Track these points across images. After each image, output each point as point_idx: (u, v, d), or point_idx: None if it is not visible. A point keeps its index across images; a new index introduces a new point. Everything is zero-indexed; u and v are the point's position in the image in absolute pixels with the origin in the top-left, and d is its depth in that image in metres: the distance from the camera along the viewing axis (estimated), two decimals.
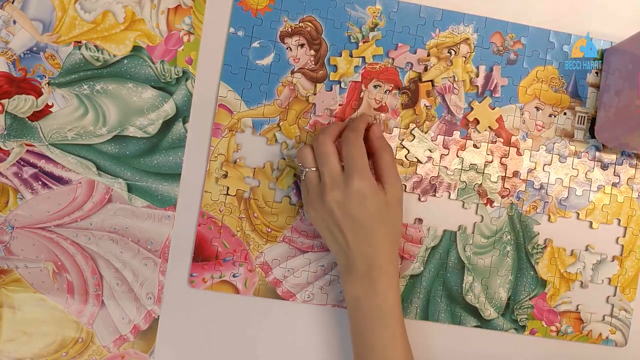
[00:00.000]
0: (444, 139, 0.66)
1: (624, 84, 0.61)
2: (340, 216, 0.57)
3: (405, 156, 0.65)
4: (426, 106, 0.66)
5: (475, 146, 0.66)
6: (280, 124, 0.65)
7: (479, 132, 0.66)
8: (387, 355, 0.57)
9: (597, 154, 0.67)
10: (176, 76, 0.64)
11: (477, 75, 0.66)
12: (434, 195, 0.66)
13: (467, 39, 0.66)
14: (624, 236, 0.67)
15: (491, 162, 0.66)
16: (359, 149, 0.59)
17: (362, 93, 0.65)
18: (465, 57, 0.66)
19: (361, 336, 0.58)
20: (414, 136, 0.65)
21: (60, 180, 0.63)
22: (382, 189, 0.58)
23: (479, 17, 0.66)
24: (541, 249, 0.66)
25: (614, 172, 0.67)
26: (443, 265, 0.66)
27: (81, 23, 0.63)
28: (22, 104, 0.63)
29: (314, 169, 0.59)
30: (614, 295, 0.67)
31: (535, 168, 0.66)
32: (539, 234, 0.66)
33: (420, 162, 0.66)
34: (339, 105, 0.65)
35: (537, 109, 0.66)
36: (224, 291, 0.64)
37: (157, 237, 0.64)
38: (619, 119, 0.62)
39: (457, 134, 0.66)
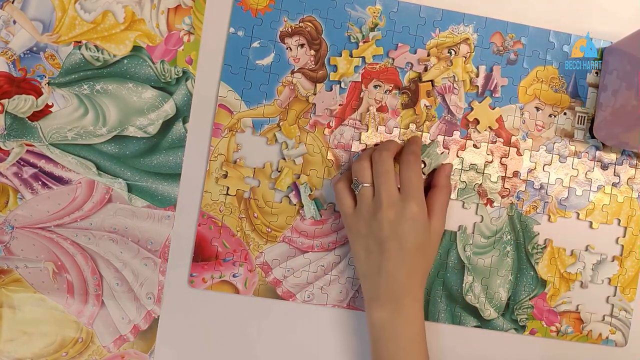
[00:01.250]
0: (444, 139, 0.66)
1: (621, 84, 0.61)
2: (388, 235, 0.57)
3: None
4: (426, 106, 0.66)
5: (475, 146, 0.66)
6: (280, 124, 0.65)
7: (479, 132, 0.66)
8: None
9: (597, 154, 0.67)
10: (176, 76, 0.64)
11: (477, 75, 0.66)
12: None
13: (467, 39, 0.66)
14: (624, 236, 0.67)
15: (491, 162, 0.66)
16: (419, 174, 0.60)
17: (362, 93, 0.65)
18: (465, 57, 0.66)
19: None
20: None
21: (60, 180, 0.63)
22: (429, 222, 0.59)
23: (479, 17, 0.66)
24: (541, 249, 0.66)
25: (614, 172, 0.67)
26: (443, 265, 0.66)
27: (81, 23, 0.63)
28: (22, 104, 0.63)
29: (369, 184, 0.59)
30: (614, 295, 0.67)
31: (535, 168, 0.66)
32: (539, 234, 0.66)
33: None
34: (339, 105, 0.65)
35: (537, 109, 0.66)
36: (224, 291, 0.64)
37: (157, 237, 0.64)
38: (616, 118, 0.62)
39: (457, 134, 0.66)
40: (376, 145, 0.65)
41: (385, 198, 0.58)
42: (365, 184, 0.59)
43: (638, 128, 0.59)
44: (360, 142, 0.65)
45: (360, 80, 0.65)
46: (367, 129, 0.65)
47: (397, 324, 0.58)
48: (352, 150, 0.65)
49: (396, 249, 0.57)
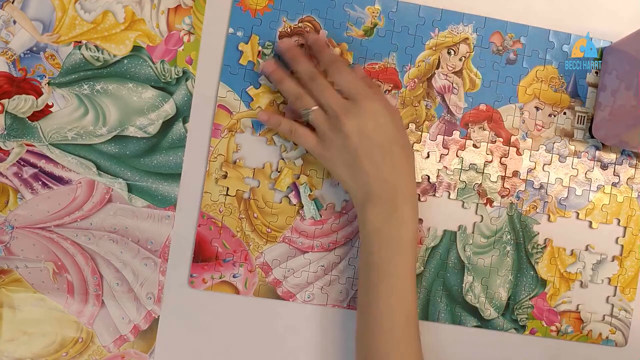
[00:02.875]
0: (443, 138, 0.66)
1: (620, 84, 0.61)
2: (357, 141, 0.57)
3: None
4: (426, 106, 0.66)
5: (475, 146, 0.66)
6: None
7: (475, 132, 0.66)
8: (402, 284, 0.57)
9: (597, 153, 0.67)
10: (176, 76, 0.64)
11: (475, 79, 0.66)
12: (434, 195, 0.66)
13: (467, 38, 0.66)
14: (624, 236, 0.67)
15: (491, 161, 0.66)
16: (355, 72, 0.60)
17: None
18: (465, 57, 0.66)
19: (376, 266, 0.57)
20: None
21: (60, 180, 0.63)
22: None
23: (479, 17, 0.66)
24: (541, 248, 0.66)
25: (614, 171, 0.67)
26: (443, 265, 0.66)
27: (81, 23, 0.63)
28: (22, 104, 0.63)
29: (316, 107, 0.59)
30: (614, 295, 0.66)
31: (535, 168, 0.66)
32: (538, 233, 0.66)
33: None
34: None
35: (537, 108, 0.66)
36: (224, 291, 0.64)
37: (157, 237, 0.64)
38: (615, 118, 0.62)
39: (456, 134, 0.66)
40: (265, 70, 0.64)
41: (338, 109, 0.58)
42: (314, 107, 0.59)
43: (637, 128, 0.59)
44: None
45: None
46: None
47: (392, 226, 0.57)
48: None
49: (370, 150, 0.57)
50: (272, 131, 0.65)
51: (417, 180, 0.65)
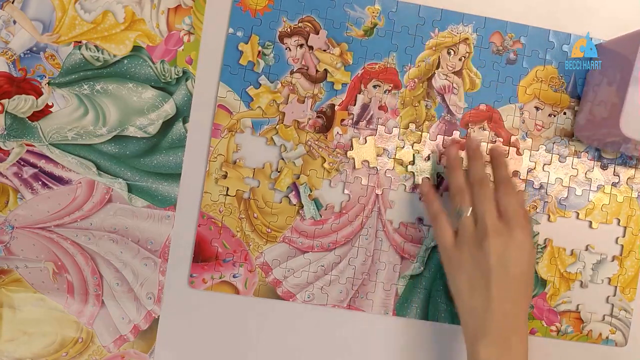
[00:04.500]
0: (443, 138, 0.66)
1: (602, 80, 0.61)
2: (494, 264, 0.56)
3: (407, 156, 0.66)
4: (426, 106, 0.66)
5: None
6: (277, 126, 0.65)
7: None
8: None
9: (597, 153, 0.67)
10: (176, 76, 0.64)
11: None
12: None
13: (467, 38, 0.66)
14: (624, 236, 0.67)
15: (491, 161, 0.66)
16: (519, 199, 0.59)
17: (361, 92, 0.65)
18: (465, 57, 0.66)
19: None
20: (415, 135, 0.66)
21: (60, 180, 0.63)
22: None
23: (478, 17, 0.66)
24: (541, 248, 0.66)
25: (614, 171, 0.67)
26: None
27: (81, 23, 0.63)
28: (22, 104, 0.63)
29: (470, 211, 0.58)
30: (614, 295, 0.66)
31: (535, 168, 0.66)
32: (538, 233, 0.66)
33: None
34: (309, 119, 0.65)
35: (537, 108, 0.66)
36: (224, 292, 0.64)
37: (157, 237, 0.64)
38: (595, 117, 0.62)
39: (456, 134, 0.66)
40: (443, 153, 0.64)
41: (491, 225, 0.57)
42: (469, 211, 0.58)
43: (615, 128, 0.58)
44: (351, 149, 0.65)
45: (359, 73, 0.65)
46: (351, 147, 0.65)
47: None
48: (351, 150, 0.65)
49: (502, 278, 0.56)
50: (272, 131, 0.65)
51: (417, 182, 0.65)
